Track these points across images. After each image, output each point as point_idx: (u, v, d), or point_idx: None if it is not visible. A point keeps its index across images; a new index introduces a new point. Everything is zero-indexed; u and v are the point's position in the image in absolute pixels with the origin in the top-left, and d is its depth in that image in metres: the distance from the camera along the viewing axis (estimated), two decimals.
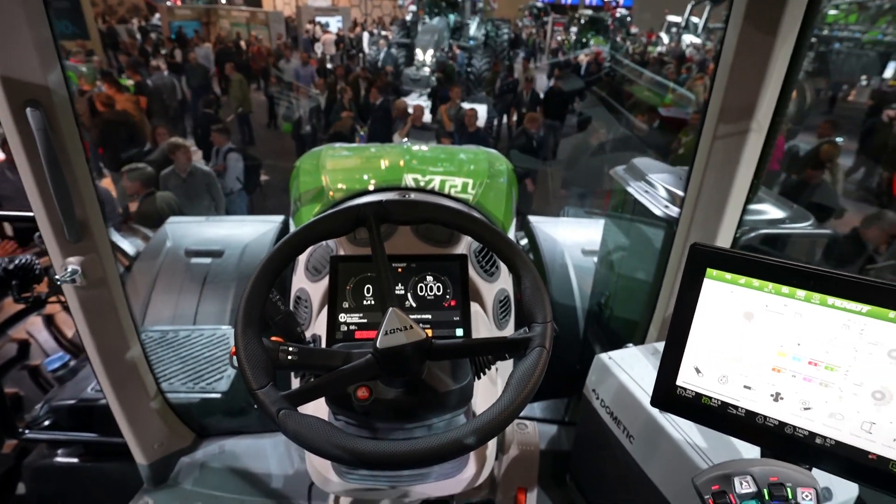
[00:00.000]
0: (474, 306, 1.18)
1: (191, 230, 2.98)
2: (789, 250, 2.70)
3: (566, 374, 2.22)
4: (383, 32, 17.48)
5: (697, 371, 0.83)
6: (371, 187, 1.49)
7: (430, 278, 1.12)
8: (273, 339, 0.83)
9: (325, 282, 1.20)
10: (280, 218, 3.01)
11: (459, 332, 1.09)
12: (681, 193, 1.48)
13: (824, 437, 0.73)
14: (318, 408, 0.92)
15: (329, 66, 11.41)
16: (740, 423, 0.79)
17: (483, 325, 1.19)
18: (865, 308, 0.69)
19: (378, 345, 0.76)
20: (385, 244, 0.89)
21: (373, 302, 1.10)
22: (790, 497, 0.66)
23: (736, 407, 0.79)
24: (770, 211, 2.58)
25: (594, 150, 6.11)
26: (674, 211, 1.89)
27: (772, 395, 0.76)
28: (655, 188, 2.08)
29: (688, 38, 18.41)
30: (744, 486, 0.68)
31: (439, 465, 0.98)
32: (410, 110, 6.74)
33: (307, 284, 1.26)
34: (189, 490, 1.73)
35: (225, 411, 1.93)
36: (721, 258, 0.79)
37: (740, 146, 1.27)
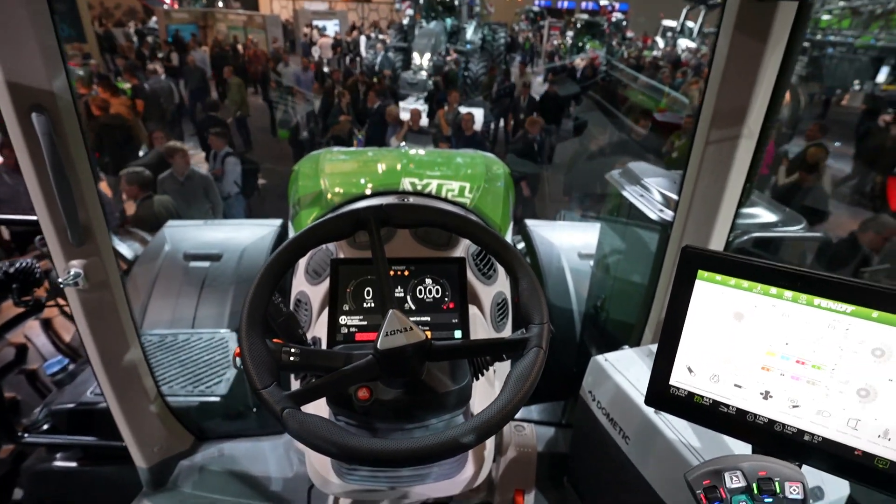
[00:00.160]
0: (472, 309, 1.20)
1: (189, 234, 2.98)
2: (782, 253, 2.73)
3: (563, 376, 2.23)
4: (380, 36, 17.55)
5: (690, 370, 0.85)
6: (368, 191, 1.50)
7: (428, 281, 1.14)
8: (274, 340, 0.85)
9: (325, 285, 1.22)
10: (278, 221, 3.02)
11: (458, 333, 1.11)
12: (675, 197, 1.51)
13: (812, 434, 0.75)
14: (318, 409, 0.93)
15: (326, 69, 11.43)
16: (731, 420, 0.81)
17: (481, 328, 1.21)
18: (850, 308, 0.71)
19: (379, 346, 0.78)
20: (384, 247, 0.91)
21: (373, 304, 1.12)
22: (778, 491, 0.68)
23: (727, 405, 0.82)
24: (762, 214, 2.61)
25: (590, 154, 6.15)
26: (668, 214, 1.91)
27: (761, 394, 0.79)
28: (650, 192, 2.10)
29: (683, 43, 18.57)
30: (734, 481, 0.70)
31: (438, 465, 1.00)
32: (406, 115, 6.77)
33: (307, 287, 1.27)
34: (188, 493, 1.74)
35: (224, 414, 1.94)
36: (712, 260, 0.81)
37: (732, 151, 1.30)
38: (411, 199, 1.41)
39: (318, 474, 1.03)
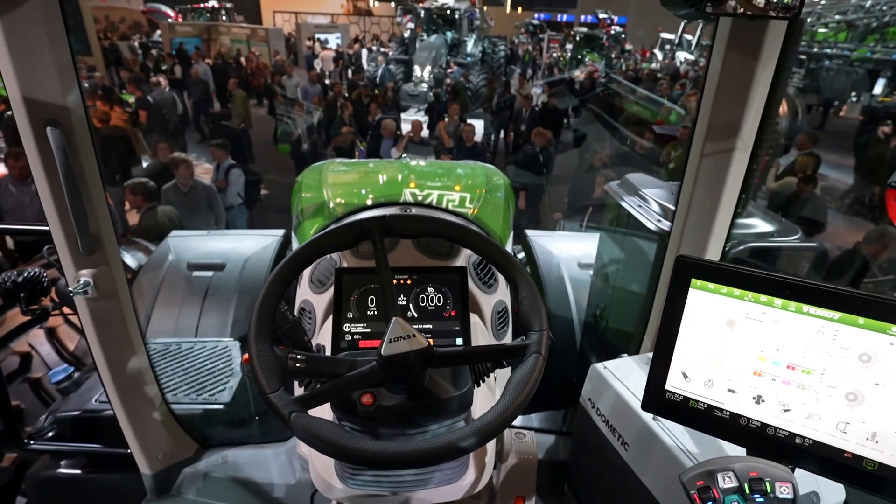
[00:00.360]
0: (473, 317, 1.22)
1: (193, 244, 3.01)
2: (779, 263, 2.76)
3: (563, 385, 2.25)
4: (382, 49, 17.73)
5: (685, 376, 0.87)
6: (369, 202, 1.53)
7: (431, 290, 1.17)
8: (280, 348, 0.87)
9: (329, 293, 1.25)
10: (281, 232, 3.05)
11: (459, 341, 1.13)
12: (673, 208, 1.54)
13: (803, 437, 0.78)
14: (322, 415, 0.95)
15: (327, 82, 11.55)
16: (725, 424, 0.84)
17: (482, 336, 1.23)
18: (837, 315, 0.74)
19: (382, 352, 0.80)
20: (387, 257, 0.94)
21: (376, 312, 1.14)
22: (769, 491, 0.71)
23: (721, 409, 0.84)
24: (759, 225, 2.65)
25: (590, 166, 6.21)
26: (666, 225, 1.94)
27: (754, 398, 0.81)
28: (648, 203, 2.14)
29: (681, 55, 18.73)
30: (726, 482, 0.73)
31: (440, 471, 1.02)
32: (408, 126, 6.84)
33: (311, 296, 1.30)
34: (192, 500, 1.76)
35: (227, 422, 1.95)
36: (705, 269, 0.84)
37: (727, 163, 1.33)
38: (413, 210, 1.44)
39: (321, 479, 1.05)
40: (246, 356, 0.84)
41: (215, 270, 2.81)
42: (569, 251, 2.77)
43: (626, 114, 8.05)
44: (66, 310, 2.78)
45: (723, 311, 0.83)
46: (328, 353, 1.11)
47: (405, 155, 6.34)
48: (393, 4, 24.96)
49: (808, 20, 14.33)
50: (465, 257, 1.33)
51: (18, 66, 1.11)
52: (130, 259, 3.18)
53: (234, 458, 1.87)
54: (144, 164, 6.20)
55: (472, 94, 12.55)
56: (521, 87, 11.24)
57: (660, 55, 20.29)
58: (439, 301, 1.16)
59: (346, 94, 9.44)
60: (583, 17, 25.68)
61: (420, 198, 1.55)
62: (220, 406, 1.89)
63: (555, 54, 20.34)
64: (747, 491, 0.71)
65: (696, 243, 1.45)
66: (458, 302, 1.16)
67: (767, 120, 1.32)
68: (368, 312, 1.14)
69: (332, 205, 1.55)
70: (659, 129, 6.67)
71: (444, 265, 1.29)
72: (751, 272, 0.80)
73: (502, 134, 9.23)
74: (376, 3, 27.92)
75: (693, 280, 0.85)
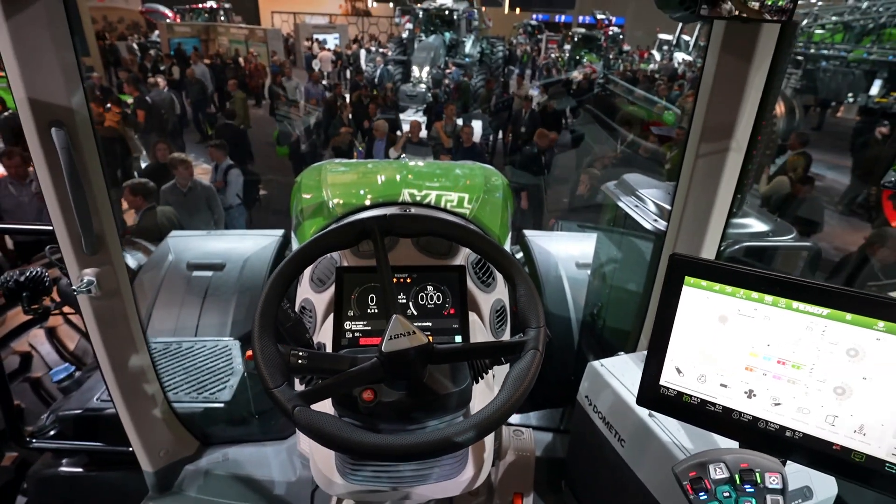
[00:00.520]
0: (472, 315, 1.24)
1: (192, 244, 3.02)
2: (774, 262, 2.78)
3: (561, 383, 2.27)
4: (380, 50, 17.74)
5: (679, 371, 0.90)
6: (367, 202, 1.54)
7: (430, 288, 1.19)
8: (281, 345, 0.89)
9: (329, 292, 1.26)
10: (280, 232, 3.07)
11: (458, 339, 1.15)
12: (669, 208, 1.56)
13: (793, 431, 0.80)
14: (323, 410, 0.97)
15: (325, 82, 11.56)
16: (718, 418, 0.86)
17: (480, 334, 1.25)
18: (826, 311, 0.76)
19: (383, 349, 0.82)
20: (387, 256, 0.96)
21: (376, 310, 1.16)
22: (759, 481, 0.73)
23: (714, 404, 0.86)
24: (754, 224, 2.67)
25: (588, 165, 6.23)
26: (662, 225, 1.96)
27: (745, 392, 0.83)
28: (645, 203, 2.16)
29: (679, 56, 18.78)
30: (718, 472, 0.75)
31: (439, 466, 1.04)
32: (406, 127, 6.87)
33: (312, 295, 1.32)
34: (193, 497, 1.77)
35: (228, 420, 1.97)
36: (697, 267, 0.86)
37: (721, 164, 1.35)
38: (413, 210, 1.45)
39: (322, 475, 1.06)
40: (250, 353, 0.85)
41: (215, 270, 2.82)
42: (566, 251, 2.79)
43: (623, 114, 8.08)
44: (66, 309, 2.79)
45: (715, 307, 0.86)
46: (329, 350, 1.13)
47: (404, 155, 6.36)
48: (391, 5, 24.96)
49: (805, 21, 14.40)
50: (463, 256, 1.35)
51: (24, 69, 1.12)
52: (130, 259, 3.19)
53: (234, 455, 1.89)
54: (137, 164, 6.22)
55: (472, 95, 12.58)
56: (518, 87, 11.27)
57: (658, 56, 20.35)
58: (438, 299, 1.18)
59: (347, 95, 9.45)
60: (581, 18, 25.73)
61: (418, 198, 1.56)
62: (221, 405, 1.91)
63: (553, 55, 20.39)
64: (738, 481, 0.73)
65: (692, 243, 1.47)
66: (456, 300, 1.18)
67: (761, 121, 1.34)
68: (369, 310, 1.16)
69: (331, 205, 1.56)
70: (657, 129, 6.70)
71: (443, 264, 1.31)
72: (742, 269, 0.82)
73: (500, 134, 9.25)
74: (374, 4, 27.93)
75: (686, 278, 0.87)
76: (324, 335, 1.21)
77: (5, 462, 2.11)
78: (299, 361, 0.86)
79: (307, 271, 1.35)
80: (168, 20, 17.53)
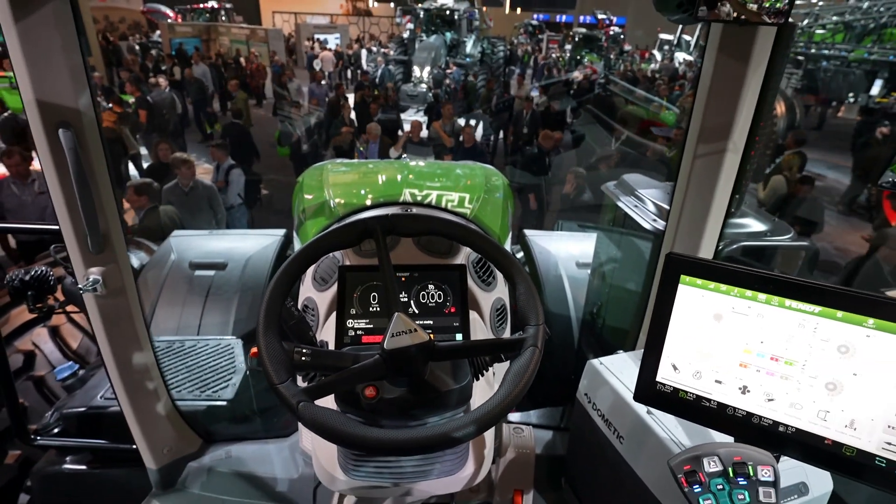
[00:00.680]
0: (472, 314, 1.26)
1: (195, 243, 3.04)
2: (772, 262, 2.80)
3: (561, 381, 2.29)
4: (381, 50, 17.75)
5: (675, 368, 0.91)
6: (368, 202, 1.56)
7: (431, 287, 1.21)
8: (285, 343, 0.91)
9: (332, 291, 1.28)
10: (282, 231, 3.08)
11: (459, 337, 1.17)
12: (668, 208, 1.57)
13: (786, 426, 0.82)
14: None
15: (324, 82, 11.58)
16: (713, 414, 0.87)
17: (481, 332, 1.27)
18: (817, 309, 0.78)
19: (385, 346, 0.84)
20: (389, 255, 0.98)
21: (378, 308, 1.18)
22: (752, 474, 0.75)
23: (709, 400, 0.88)
24: (752, 224, 2.69)
25: (589, 165, 6.25)
26: (661, 224, 1.97)
27: (739, 388, 0.85)
28: (644, 203, 2.18)
29: (680, 56, 18.77)
30: (711, 466, 0.77)
31: (440, 462, 1.06)
32: (407, 126, 6.88)
33: (314, 293, 1.34)
34: (196, 494, 1.79)
35: (231, 418, 1.99)
36: (693, 266, 0.88)
37: (719, 165, 1.36)
38: (415, 210, 1.47)
39: (324, 471, 1.08)
40: (254, 349, 0.87)
41: (217, 270, 2.84)
42: (567, 250, 2.81)
43: (622, 113, 8.09)
44: (70, 308, 2.81)
45: (710, 305, 0.87)
46: (332, 348, 1.15)
47: (405, 155, 6.38)
48: (392, 5, 24.99)
49: (806, 21, 14.40)
50: (464, 255, 1.37)
51: (32, 71, 1.14)
52: (133, 259, 3.21)
53: (237, 452, 1.91)
54: (133, 163, 6.23)
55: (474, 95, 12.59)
56: (519, 87, 11.28)
57: (658, 56, 20.34)
58: (439, 298, 1.20)
59: (350, 96, 9.47)
60: (582, 18, 25.75)
61: (419, 198, 1.57)
62: (224, 402, 1.93)
63: (554, 55, 20.39)
64: (731, 474, 0.75)
65: (690, 242, 1.48)
66: (457, 299, 1.20)
67: (759, 122, 1.36)
68: (371, 309, 1.18)
69: (333, 204, 1.58)
70: (658, 130, 6.71)
71: (444, 263, 1.33)
72: (736, 268, 0.84)
73: (501, 134, 9.26)
74: (375, 4, 27.96)
75: (682, 276, 0.89)
76: (326, 333, 1.23)
77: (9, 460, 2.13)
78: (303, 358, 0.88)
79: (310, 270, 1.36)
80: (169, 20, 17.55)
